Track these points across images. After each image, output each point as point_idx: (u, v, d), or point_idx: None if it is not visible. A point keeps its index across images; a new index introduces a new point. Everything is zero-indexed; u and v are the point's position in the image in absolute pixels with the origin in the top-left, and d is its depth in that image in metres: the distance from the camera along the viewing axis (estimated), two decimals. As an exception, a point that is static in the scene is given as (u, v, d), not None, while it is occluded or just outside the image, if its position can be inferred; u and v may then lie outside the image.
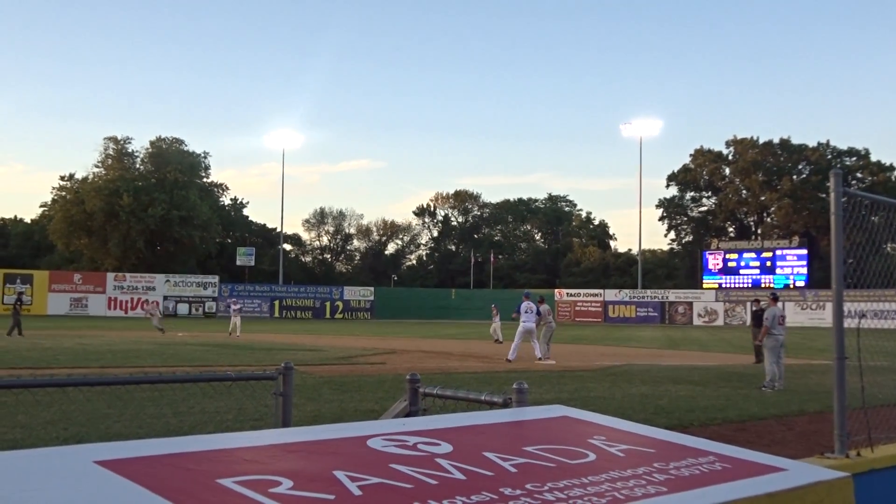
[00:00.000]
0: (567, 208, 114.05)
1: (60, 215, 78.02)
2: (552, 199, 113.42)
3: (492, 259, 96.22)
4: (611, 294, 74.13)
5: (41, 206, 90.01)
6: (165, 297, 65.37)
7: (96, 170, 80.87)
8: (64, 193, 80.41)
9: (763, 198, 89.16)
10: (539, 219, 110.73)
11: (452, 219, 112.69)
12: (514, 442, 2.75)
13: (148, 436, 7.38)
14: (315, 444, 2.60)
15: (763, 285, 65.37)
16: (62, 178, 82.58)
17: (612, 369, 20.07)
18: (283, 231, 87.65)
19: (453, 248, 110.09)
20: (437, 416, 3.19)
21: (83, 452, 2.29)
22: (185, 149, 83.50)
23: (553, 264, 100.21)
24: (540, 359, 22.02)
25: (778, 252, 68.89)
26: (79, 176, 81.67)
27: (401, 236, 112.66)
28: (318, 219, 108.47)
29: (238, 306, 36.59)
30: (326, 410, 10.96)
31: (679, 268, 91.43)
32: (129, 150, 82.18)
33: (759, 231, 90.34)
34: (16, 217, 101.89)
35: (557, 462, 2.50)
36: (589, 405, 12.13)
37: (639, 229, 74.33)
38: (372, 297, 73.89)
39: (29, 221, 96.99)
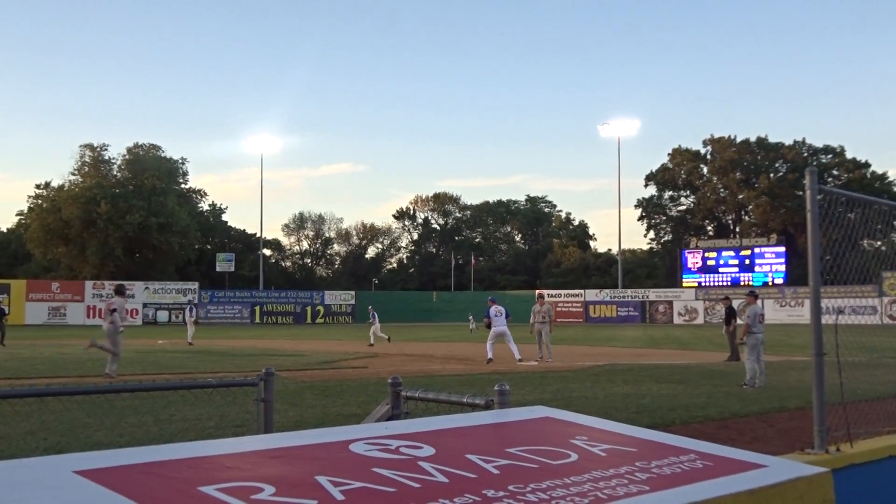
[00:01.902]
0: (547, 209, 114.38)
1: (37, 224, 77.34)
2: (532, 201, 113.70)
3: (472, 261, 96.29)
4: (591, 294, 74.41)
5: (17, 215, 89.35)
6: (145, 305, 64.99)
7: (73, 177, 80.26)
8: (40, 202, 79.74)
9: (741, 196, 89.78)
10: (519, 220, 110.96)
11: (433, 221, 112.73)
12: (497, 444, 2.75)
13: (129, 444, 7.34)
14: (297, 449, 2.60)
15: (742, 283, 65.85)
16: (38, 187, 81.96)
17: (594, 369, 20.12)
18: (263, 236, 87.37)
19: (434, 250, 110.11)
20: (420, 420, 3.19)
21: (63, 463, 2.28)
22: (163, 155, 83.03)
23: (533, 265, 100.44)
24: (520, 360, 22.09)
25: (756, 250, 69.43)
26: (55, 184, 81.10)
27: (381, 240, 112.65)
28: (298, 223, 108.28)
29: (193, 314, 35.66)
30: (309, 416, 10.92)
31: (659, 267, 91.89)
32: (106, 158, 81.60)
33: (737, 229, 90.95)
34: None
35: (540, 463, 2.51)
36: (571, 405, 12.19)
37: (618, 229, 74.47)
38: (353, 302, 73.77)
39: (5, 230, 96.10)
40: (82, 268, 76.40)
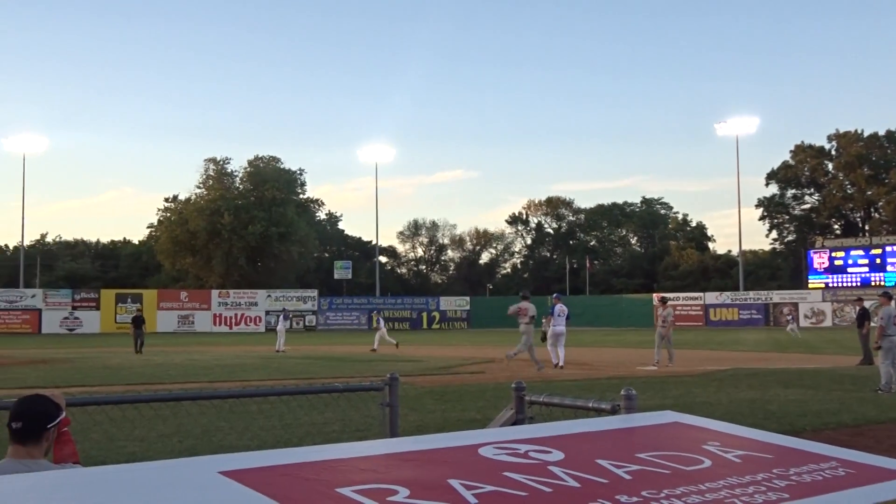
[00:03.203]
0: (663, 211, 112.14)
1: (166, 236, 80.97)
2: (647, 203, 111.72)
3: (587, 265, 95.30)
4: (711, 297, 72.42)
5: (148, 228, 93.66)
6: (267, 312, 66.91)
7: (198, 190, 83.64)
8: (168, 214, 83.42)
9: (870, 192, 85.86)
10: (634, 223, 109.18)
11: (546, 226, 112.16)
12: (627, 449, 2.72)
13: (259, 447, 7.57)
14: (427, 452, 2.63)
15: (873, 283, 62.82)
16: (167, 200, 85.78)
17: (716, 374, 19.61)
18: (379, 244, 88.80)
19: (548, 255, 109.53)
20: (547, 424, 3.19)
21: (208, 463, 2.37)
22: (282, 166, 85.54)
23: (650, 268, 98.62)
24: (558, 365, 21.64)
25: (888, 248, 66.14)
26: (182, 197, 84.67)
27: (494, 245, 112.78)
28: (412, 230, 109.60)
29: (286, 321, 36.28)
30: (429, 421, 11.04)
31: (782, 268, 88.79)
32: (229, 171, 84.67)
33: (866, 227, 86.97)
34: (125, 239, 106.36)
35: (672, 469, 2.47)
36: (694, 411, 11.83)
37: (738, 230, 72.38)
38: (468, 307, 74.05)
39: (137, 242, 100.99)
40: (208, 277, 79.42)
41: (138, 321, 33.35)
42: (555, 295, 25.09)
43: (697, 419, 3.29)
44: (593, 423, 3.16)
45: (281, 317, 36.30)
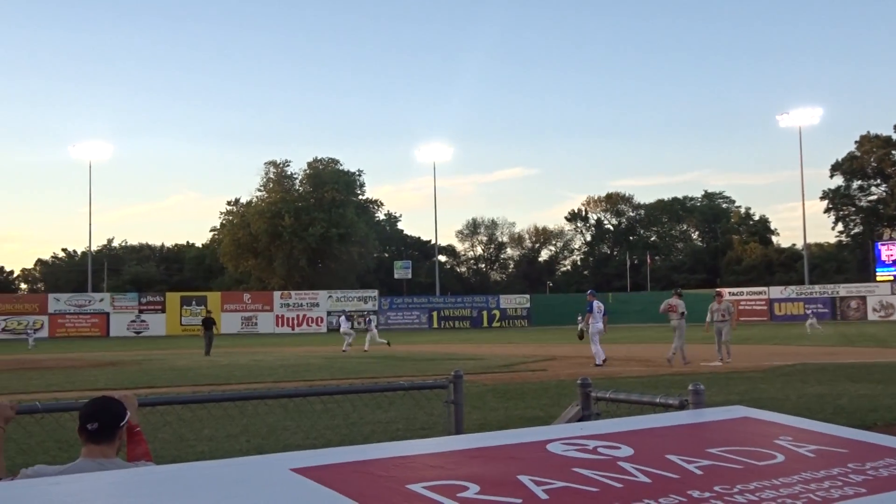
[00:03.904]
0: (724, 205, 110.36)
1: (228, 239, 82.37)
2: (708, 197, 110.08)
3: (648, 261, 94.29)
4: (776, 291, 71.03)
5: (211, 231, 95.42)
6: (329, 313, 67.55)
7: (259, 193, 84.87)
8: (231, 217, 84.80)
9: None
10: (696, 217, 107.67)
11: (605, 222, 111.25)
12: (697, 444, 2.69)
13: (324, 446, 7.66)
14: (495, 449, 2.63)
15: (945, 276, 61.08)
16: (229, 203, 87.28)
17: (783, 369, 19.24)
18: (438, 243, 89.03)
19: (608, 251, 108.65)
20: (614, 420, 3.17)
21: (281, 461, 2.41)
22: (341, 168, 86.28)
23: (712, 263, 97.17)
24: (598, 365, 21.38)
25: (959, 238, 64.26)
26: (244, 200, 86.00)
27: (554, 242, 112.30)
28: (471, 229, 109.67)
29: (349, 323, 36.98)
30: (492, 418, 11.04)
31: (849, 261, 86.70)
32: (289, 173, 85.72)
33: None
34: (188, 242, 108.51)
35: (744, 464, 2.44)
36: (762, 407, 11.60)
37: (803, 223, 70.82)
38: (528, 305, 73.83)
39: (200, 246, 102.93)
40: (270, 279, 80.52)
41: (208, 323, 33.89)
42: (590, 291, 24.96)
43: (768, 414, 3.24)
44: (662, 418, 3.13)
45: (342, 318, 36.74)
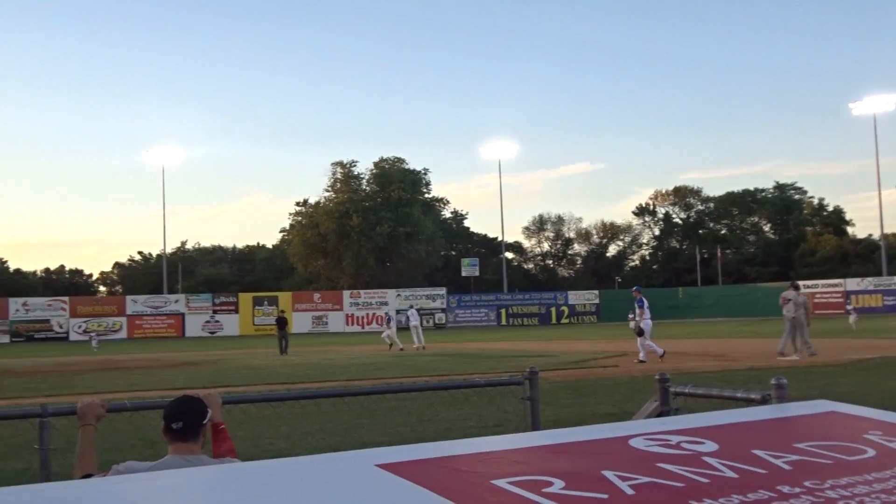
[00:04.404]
0: (797, 196, 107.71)
1: (298, 239, 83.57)
2: (780, 188, 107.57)
3: (718, 254, 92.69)
4: (853, 283, 69.08)
5: (281, 232, 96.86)
6: (398, 311, 68.01)
7: (327, 194, 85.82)
8: (300, 218, 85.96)
9: None
10: (767, 209, 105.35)
11: (674, 216, 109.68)
12: (782, 439, 2.65)
13: (399, 443, 7.74)
14: (577, 445, 2.63)
15: None
16: (298, 204, 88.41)
17: (863, 363, 18.73)
18: (505, 240, 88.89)
19: (677, 245, 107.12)
20: (696, 415, 3.14)
21: (365, 457, 2.45)
22: (406, 167, 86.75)
23: (785, 256, 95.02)
24: (642, 361, 21.06)
25: None
26: (312, 201, 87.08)
27: (622, 237, 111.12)
28: (538, 225, 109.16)
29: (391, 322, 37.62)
30: (565, 415, 11.00)
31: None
32: (355, 173, 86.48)
33: None
34: (259, 243, 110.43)
35: (834, 459, 2.39)
36: (844, 401, 11.30)
37: (879, 212, 68.83)
38: (597, 301, 73.22)
39: (271, 247, 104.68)
40: (339, 278, 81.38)
41: (282, 322, 34.38)
42: (636, 288, 24.92)
43: (855, 408, 3.18)
44: (745, 413, 3.09)
45: (391, 320, 37.50)
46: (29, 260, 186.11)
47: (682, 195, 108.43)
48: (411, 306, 44.47)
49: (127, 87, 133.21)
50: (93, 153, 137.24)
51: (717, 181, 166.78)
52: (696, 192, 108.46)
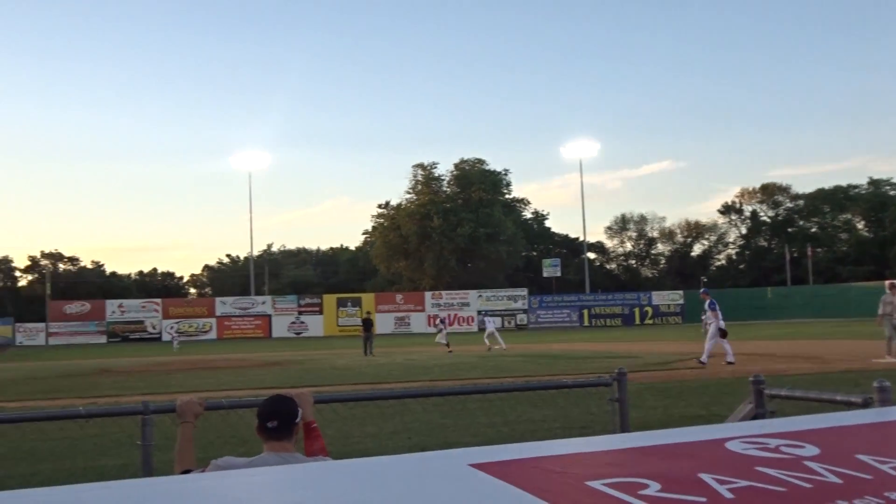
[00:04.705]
0: (892, 192, 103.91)
1: (380, 241, 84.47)
2: (874, 184, 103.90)
3: (809, 253, 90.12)
4: (954, 282, 66.32)
5: (363, 234, 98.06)
6: (479, 312, 68.06)
7: (408, 196, 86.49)
8: (382, 220, 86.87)
9: None
10: (860, 206, 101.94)
11: (761, 214, 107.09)
12: (889, 443, 2.57)
13: (485, 443, 7.75)
14: (671, 447, 2.59)
15: None
16: (379, 207, 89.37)
17: (966, 366, 17.97)
18: (586, 240, 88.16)
19: (765, 244, 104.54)
20: (794, 418, 3.06)
21: (458, 456, 2.46)
22: (487, 168, 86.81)
23: (880, 254, 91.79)
24: (730, 363, 20.58)
25: None
26: (394, 203, 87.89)
27: (707, 236, 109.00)
28: (620, 225, 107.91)
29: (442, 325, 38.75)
30: (651, 417, 10.85)
31: None
32: (436, 175, 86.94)
33: None
34: (342, 245, 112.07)
35: (945, 464, 2.30)
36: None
37: (982, 207, 65.94)
38: (682, 301, 71.96)
39: (354, 249, 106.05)
40: (421, 279, 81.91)
41: (367, 324, 34.81)
42: (704, 290, 24.59)
43: (964, 412, 3.06)
44: (845, 416, 3.00)
45: (443, 323, 38.26)
46: (124, 263, 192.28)
47: (769, 192, 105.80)
48: (485, 315, 45.61)
49: (214, 95, 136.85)
50: (183, 160, 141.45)
51: (806, 177, 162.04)
52: (784, 189, 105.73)
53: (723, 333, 22.05)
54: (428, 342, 45.53)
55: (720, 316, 21.96)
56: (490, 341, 34.07)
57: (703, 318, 24.01)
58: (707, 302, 22.76)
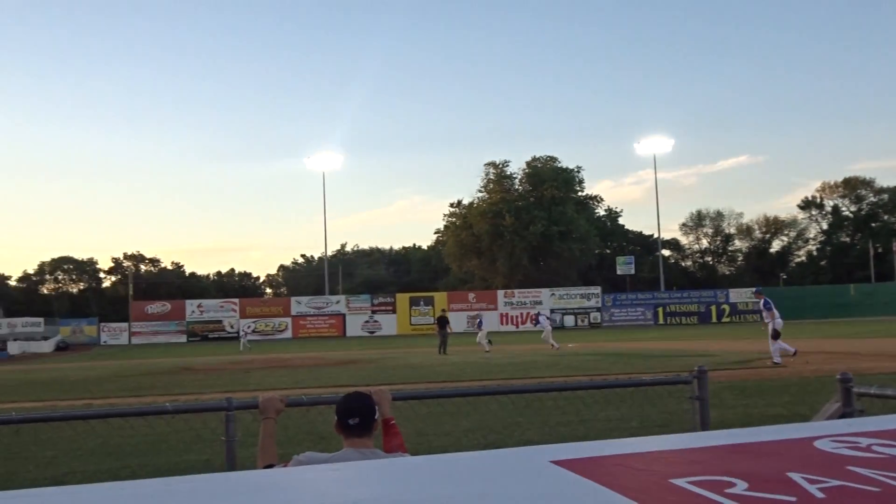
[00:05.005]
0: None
1: (452, 240, 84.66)
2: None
3: (894, 249, 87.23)
4: None
5: (435, 233, 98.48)
6: (552, 310, 67.67)
7: (480, 194, 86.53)
8: (454, 219, 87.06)
9: None
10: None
11: (843, 208, 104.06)
12: None
13: (559, 442, 7.68)
14: (757, 445, 2.54)
15: None
16: (451, 205, 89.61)
17: None
18: (661, 237, 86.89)
19: (847, 240, 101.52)
20: (885, 417, 2.97)
21: (540, 453, 2.45)
22: (559, 165, 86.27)
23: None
24: (777, 363, 20.14)
25: None
26: (465, 202, 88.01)
27: (786, 232, 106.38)
28: (696, 222, 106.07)
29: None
30: (730, 416, 10.64)
31: None
32: (508, 173, 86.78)
33: None
34: (414, 245, 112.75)
35: None
36: None
37: None
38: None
39: (426, 248, 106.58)
40: (493, 278, 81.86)
41: (443, 322, 34.92)
42: (757, 289, 24.20)
43: None
44: (941, 415, 2.90)
45: (481, 323, 38.53)
46: (203, 264, 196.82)
47: (852, 187, 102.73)
48: (539, 313, 45.71)
49: (289, 98, 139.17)
50: (259, 162, 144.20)
51: (890, 171, 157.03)
52: (867, 184, 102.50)
53: (775, 334, 21.65)
54: (500, 340, 45.47)
55: (777, 315, 21.58)
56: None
57: (762, 317, 23.65)
58: (761, 302, 22.40)
